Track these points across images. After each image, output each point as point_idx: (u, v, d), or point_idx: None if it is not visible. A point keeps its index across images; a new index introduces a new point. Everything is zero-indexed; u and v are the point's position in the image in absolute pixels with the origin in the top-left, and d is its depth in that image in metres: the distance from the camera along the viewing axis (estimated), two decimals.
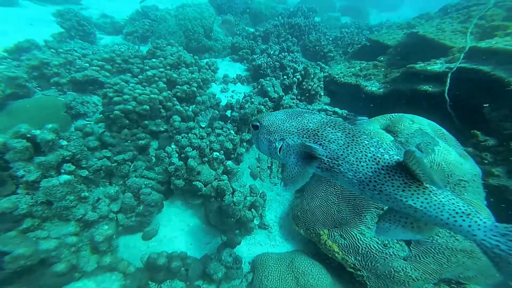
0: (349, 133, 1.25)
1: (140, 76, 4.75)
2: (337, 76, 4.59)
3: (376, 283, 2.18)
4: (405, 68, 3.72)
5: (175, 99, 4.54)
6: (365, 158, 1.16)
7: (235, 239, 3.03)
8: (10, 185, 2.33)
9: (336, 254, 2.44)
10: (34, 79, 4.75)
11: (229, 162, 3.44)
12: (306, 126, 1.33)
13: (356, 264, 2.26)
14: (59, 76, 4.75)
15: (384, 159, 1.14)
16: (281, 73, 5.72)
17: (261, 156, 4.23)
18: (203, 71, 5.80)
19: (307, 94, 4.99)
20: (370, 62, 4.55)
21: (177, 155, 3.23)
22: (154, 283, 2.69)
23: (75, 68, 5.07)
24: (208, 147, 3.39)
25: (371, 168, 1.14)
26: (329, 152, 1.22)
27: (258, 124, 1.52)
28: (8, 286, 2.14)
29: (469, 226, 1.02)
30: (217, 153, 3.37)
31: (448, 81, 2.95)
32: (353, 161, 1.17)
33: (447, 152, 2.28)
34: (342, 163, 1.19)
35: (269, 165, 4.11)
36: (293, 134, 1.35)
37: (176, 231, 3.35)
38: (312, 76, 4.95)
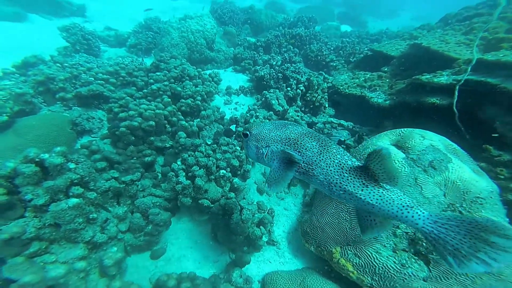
0: (322, 143, 1.49)
1: (144, 90, 4.77)
2: (341, 87, 4.60)
3: None
4: (411, 79, 3.72)
5: (179, 113, 4.55)
6: (333, 164, 1.41)
7: (245, 258, 2.97)
8: (19, 209, 2.31)
9: (351, 274, 2.38)
10: (40, 94, 4.79)
11: (236, 180, 3.41)
12: (288, 136, 1.57)
13: (374, 285, 2.19)
14: (64, 91, 4.78)
15: (347, 164, 1.39)
16: (284, 84, 5.74)
17: (267, 171, 4.20)
18: (207, 84, 5.83)
19: (311, 106, 4.99)
20: (374, 73, 4.56)
21: (184, 173, 3.21)
22: None
23: (80, 82, 5.10)
24: (215, 165, 3.37)
25: (337, 171, 1.39)
26: (305, 158, 1.47)
27: (248, 132, 1.76)
28: None
29: (412, 216, 1.24)
30: (224, 171, 3.35)
31: (456, 93, 2.94)
32: (323, 166, 1.42)
33: (461, 170, 2.24)
34: (315, 167, 1.44)
35: None
36: (277, 142, 1.59)
37: (184, 249, 3.29)
38: (316, 87, 4.96)
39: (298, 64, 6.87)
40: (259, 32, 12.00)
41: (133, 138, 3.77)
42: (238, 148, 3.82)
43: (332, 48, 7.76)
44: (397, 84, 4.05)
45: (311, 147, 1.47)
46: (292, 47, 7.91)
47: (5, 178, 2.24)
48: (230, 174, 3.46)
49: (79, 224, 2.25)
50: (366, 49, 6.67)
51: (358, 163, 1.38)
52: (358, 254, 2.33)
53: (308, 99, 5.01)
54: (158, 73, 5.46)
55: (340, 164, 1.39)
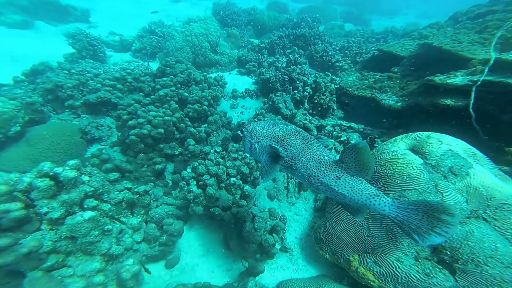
0: (305, 141, 1.66)
1: (152, 96, 4.77)
2: (350, 89, 4.53)
3: None
4: (423, 80, 3.64)
5: (187, 119, 4.54)
6: (312, 159, 1.58)
7: (258, 266, 2.94)
8: (35, 222, 2.31)
9: (372, 283, 2.32)
10: (48, 102, 4.82)
11: (246, 187, 3.38)
12: (277, 133, 1.74)
13: None
14: (73, 98, 4.80)
15: (325, 159, 1.56)
16: (290, 87, 5.69)
17: (276, 176, 4.17)
18: (213, 88, 5.81)
19: (319, 108, 4.93)
20: (384, 73, 4.48)
21: (195, 182, 3.19)
22: None
23: (88, 89, 5.13)
24: (225, 173, 3.34)
25: (316, 166, 1.55)
26: (289, 153, 1.65)
27: (244, 129, 1.95)
28: None
29: (379, 204, 1.42)
30: (234, 179, 3.32)
31: (473, 95, 2.86)
32: (304, 160, 1.59)
33: (483, 175, 2.17)
34: (298, 162, 1.61)
35: (286, 185, 4.03)
36: (267, 138, 1.76)
37: (197, 258, 3.27)
38: (323, 89, 4.90)
39: (303, 65, 6.81)
40: (262, 33, 11.95)
41: (143, 146, 3.77)
42: (247, 154, 3.78)
43: (337, 48, 7.67)
44: (409, 85, 3.97)
45: (295, 144, 1.65)
46: (297, 48, 7.84)
47: (22, 192, 2.25)
48: (240, 181, 3.43)
49: (95, 237, 2.25)
50: (373, 48, 6.57)
51: (334, 159, 1.56)
52: (379, 262, 2.28)
53: (316, 101, 4.95)
54: (164, 78, 5.46)
55: (318, 159, 1.56)
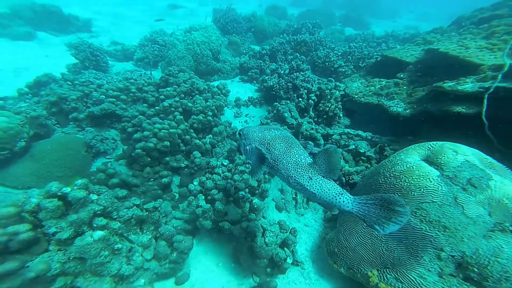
0: (288, 145, 1.82)
1: (156, 107, 4.74)
2: (356, 96, 4.49)
3: None
4: (432, 87, 3.60)
5: (192, 130, 4.49)
6: (291, 162, 1.75)
7: (271, 283, 2.85)
8: (43, 243, 2.25)
9: None
10: (53, 115, 4.80)
11: (255, 200, 3.33)
12: (265, 137, 1.92)
13: None
14: (77, 111, 4.78)
15: (302, 162, 1.73)
16: (295, 94, 5.66)
17: (284, 187, 4.11)
18: (216, 97, 5.78)
19: (324, 116, 4.89)
20: (390, 80, 4.44)
21: (203, 197, 3.13)
22: None
23: (92, 101, 5.11)
24: (233, 186, 3.29)
25: (294, 167, 1.73)
26: (273, 155, 1.82)
27: (241, 132, 2.13)
28: None
29: (343, 201, 1.58)
30: (243, 192, 3.27)
31: (486, 102, 2.81)
32: (285, 163, 1.76)
33: (505, 187, 2.11)
34: (279, 163, 1.79)
35: (294, 196, 3.97)
36: (256, 141, 1.93)
37: (207, 273, 3.19)
38: (328, 96, 4.86)
39: (306, 72, 6.80)
40: (263, 40, 12.01)
41: (149, 159, 3.73)
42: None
43: (339, 54, 7.67)
44: (416, 91, 3.93)
45: (278, 147, 1.82)
46: (298, 55, 7.84)
47: (29, 213, 2.19)
48: (249, 195, 3.37)
49: (105, 257, 2.18)
50: (375, 53, 6.56)
51: (310, 162, 1.73)
52: (400, 278, 2.20)
53: (321, 109, 4.91)
54: (168, 88, 5.45)
55: (296, 162, 1.74)
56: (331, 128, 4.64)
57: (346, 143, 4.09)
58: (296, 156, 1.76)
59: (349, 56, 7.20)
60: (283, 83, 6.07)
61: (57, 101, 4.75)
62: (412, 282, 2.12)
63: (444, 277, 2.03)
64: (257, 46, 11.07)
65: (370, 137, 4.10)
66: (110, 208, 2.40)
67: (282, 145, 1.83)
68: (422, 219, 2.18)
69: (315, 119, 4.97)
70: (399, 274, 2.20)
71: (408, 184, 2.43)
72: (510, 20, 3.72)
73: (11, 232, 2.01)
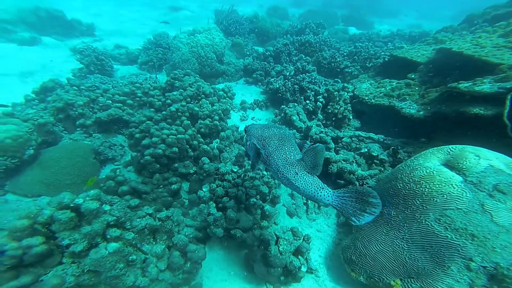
0: (281, 143, 1.95)
1: (164, 112, 4.70)
2: (366, 98, 4.40)
3: None
4: (446, 87, 3.51)
5: (199, 135, 4.44)
6: (281, 158, 1.88)
7: None
8: (57, 255, 2.20)
9: None
10: (60, 121, 4.78)
11: (267, 207, 3.27)
12: (263, 135, 2.03)
13: None
14: (84, 117, 4.75)
15: (290, 159, 1.85)
16: (302, 96, 5.59)
17: (294, 192, 4.03)
18: (223, 101, 5.73)
19: (333, 119, 4.81)
20: (401, 80, 4.35)
21: (214, 205, 3.07)
22: None
23: (98, 106, 5.08)
24: (244, 193, 3.23)
25: (283, 163, 1.86)
26: (266, 151, 1.95)
27: (246, 129, 2.25)
28: None
29: (324, 195, 1.69)
30: (254, 199, 3.21)
31: (508, 103, 2.72)
32: (275, 158, 1.89)
33: None
34: (271, 159, 1.91)
35: (305, 201, 3.89)
36: (255, 138, 2.05)
37: (219, 282, 3.13)
38: (337, 98, 4.78)
39: (312, 73, 6.72)
40: (266, 41, 11.95)
41: (158, 166, 3.68)
42: (265, 173, 3.67)
43: (345, 54, 7.59)
44: (429, 92, 3.84)
45: (272, 144, 1.95)
46: (304, 56, 7.77)
47: (42, 225, 2.15)
48: (260, 201, 3.31)
49: (120, 270, 2.13)
50: (383, 53, 6.47)
51: (298, 159, 1.85)
52: None
53: (330, 111, 4.83)
54: (174, 93, 5.40)
55: (285, 158, 1.87)
56: (341, 131, 4.55)
57: (358, 146, 4.01)
58: (287, 153, 1.90)
59: (355, 56, 7.12)
60: (289, 85, 6.00)
61: (64, 107, 4.73)
62: None
63: None
64: (260, 47, 11.01)
65: (382, 140, 4.01)
66: (123, 218, 2.35)
67: (275, 142, 1.97)
68: (447, 227, 2.10)
69: (324, 122, 4.89)
70: (425, 284, 2.12)
71: (430, 190, 2.35)
72: None
73: (25, 245, 1.97)
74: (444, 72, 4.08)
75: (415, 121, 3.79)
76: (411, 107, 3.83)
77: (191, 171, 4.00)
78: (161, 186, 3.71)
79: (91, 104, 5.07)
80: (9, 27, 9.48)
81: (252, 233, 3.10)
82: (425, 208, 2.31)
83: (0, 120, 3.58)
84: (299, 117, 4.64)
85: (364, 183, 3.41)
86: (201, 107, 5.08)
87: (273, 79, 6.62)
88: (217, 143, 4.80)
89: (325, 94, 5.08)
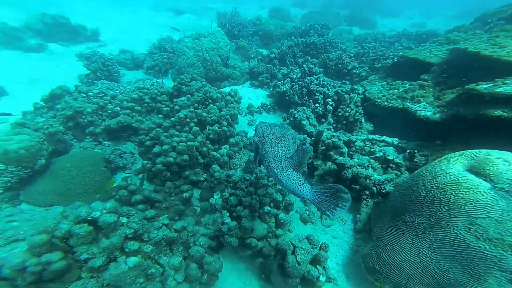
0: (276, 141, 2.12)
1: (172, 119, 4.66)
2: (379, 100, 4.32)
3: None
4: (463, 89, 3.43)
5: (208, 142, 4.40)
6: (273, 154, 2.04)
7: None
8: (75, 270, 2.16)
9: None
10: (69, 129, 4.77)
11: (281, 215, 3.20)
12: (265, 132, 2.20)
13: None
14: (93, 124, 4.73)
15: (280, 156, 2.01)
16: (310, 100, 5.51)
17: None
18: (230, 106, 5.68)
19: (344, 122, 4.73)
20: (414, 82, 4.26)
21: (228, 214, 3.02)
22: None
23: (107, 113, 5.06)
24: (258, 201, 3.17)
25: (273, 159, 2.01)
26: (263, 147, 2.13)
27: (256, 126, 2.44)
28: None
29: (303, 190, 1.81)
30: (268, 207, 3.15)
31: None
32: (269, 154, 2.05)
33: None
34: (265, 154, 2.08)
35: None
36: (258, 135, 2.24)
37: None
38: (348, 101, 4.71)
39: (319, 75, 6.65)
40: (269, 43, 11.92)
41: (169, 174, 3.64)
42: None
43: (352, 55, 7.51)
44: (445, 94, 3.75)
45: (269, 141, 2.13)
46: (310, 57, 7.70)
47: (60, 239, 2.11)
48: (275, 209, 3.25)
49: (140, 285, 2.08)
50: (391, 54, 6.38)
51: (287, 156, 2.00)
52: None
53: (340, 114, 4.76)
54: (182, 98, 5.37)
55: (277, 155, 2.02)
56: (353, 134, 4.47)
57: (371, 149, 3.92)
58: (279, 150, 2.06)
59: (363, 58, 7.03)
60: (297, 88, 5.93)
61: (73, 115, 4.71)
62: None
63: None
64: (264, 49, 10.98)
65: (396, 143, 3.92)
66: (140, 231, 2.30)
67: (272, 140, 2.13)
68: (479, 236, 2.02)
69: (334, 125, 4.81)
70: None
71: (456, 197, 2.27)
72: None
73: (44, 261, 1.93)
74: (459, 73, 3.99)
75: (430, 124, 3.70)
76: (426, 110, 3.74)
77: (202, 179, 3.95)
78: (173, 194, 3.67)
79: (100, 111, 5.06)
80: (18, 34, 9.58)
81: (268, 242, 3.03)
82: (452, 216, 2.23)
83: (14, 130, 3.57)
84: (309, 121, 4.57)
85: (382, 188, 3.33)
86: (209, 113, 5.04)
87: (279, 82, 6.55)
88: (226, 149, 4.75)
89: (335, 97, 5.00)
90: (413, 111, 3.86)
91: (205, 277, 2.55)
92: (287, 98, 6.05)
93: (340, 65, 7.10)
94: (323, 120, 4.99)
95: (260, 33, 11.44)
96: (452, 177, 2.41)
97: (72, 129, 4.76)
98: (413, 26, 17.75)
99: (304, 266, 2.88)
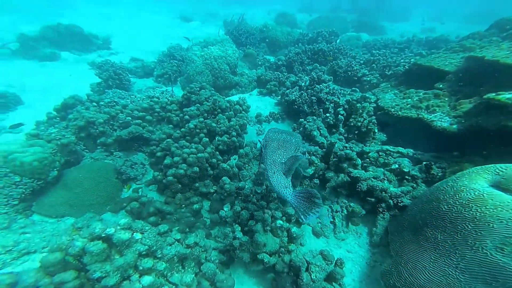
0: (276, 147, 2.30)
1: (182, 129, 4.66)
2: (393, 110, 4.22)
3: None
4: (482, 99, 3.31)
5: (217, 153, 4.37)
6: (270, 159, 2.21)
7: None
8: None
9: None
10: (81, 140, 4.83)
11: (294, 229, 3.12)
12: (270, 138, 2.41)
13: None
14: (105, 135, 4.78)
15: (276, 161, 2.19)
16: (320, 109, 5.44)
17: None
18: (239, 115, 5.66)
19: (356, 132, 4.63)
20: (428, 91, 4.16)
21: (239, 228, 2.96)
22: None
23: (118, 123, 5.11)
24: (270, 216, 3.10)
25: (270, 163, 2.18)
26: (265, 151, 2.31)
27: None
28: None
29: (286, 193, 2.00)
30: (281, 221, 3.08)
31: None
32: (268, 158, 2.23)
33: None
34: (265, 158, 2.25)
35: (332, 220, 3.71)
36: (264, 139, 2.46)
37: None
38: (360, 110, 4.62)
39: (329, 83, 6.59)
40: (276, 49, 11.96)
41: (180, 186, 3.62)
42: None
43: (362, 62, 7.43)
44: (462, 104, 3.63)
45: (271, 146, 2.31)
46: (318, 65, 7.66)
47: (73, 257, 2.09)
48: (287, 223, 3.17)
49: None
50: (402, 60, 6.28)
51: (282, 161, 2.18)
52: None
53: (352, 124, 4.66)
54: (192, 108, 5.38)
55: (274, 160, 2.20)
56: (365, 145, 4.37)
57: (386, 161, 3.81)
58: (277, 155, 2.24)
59: (373, 64, 6.95)
60: (306, 97, 5.88)
61: (85, 126, 4.78)
62: None
63: None
64: (271, 56, 11.02)
65: (412, 154, 3.81)
66: (154, 247, 2.27)
67: (274, 145, 2.31)
68: None
69: (345, 135, 4.72)
70: None
71: (482, 214, 2.15)
72: None
73: (58, 281, 1.91)
74: (475, 81, 3.87)
75: (446, 135, 3.58)
76: (443, 120, 3.62)
77: (212, 190, 3.91)
78: (183, 206, 3.64)
79: (111, 121, 5.12)
80: (34, 43, 9.93)
81: (281, 258, 2.95)
82: (479, 234, 2.11)
83: (28, 142, 3.63)
84: (320, 132, 4.49)
85: (399, 201, 3.21)
86: (218, 123, 5.03)
87: (288, 90, 6.52)
88: (235, 159, 4.71)
89: (346, 106, 4.92)
90: (428, 122, 3.75)
91: None
92: (296, 106, 6.00)
93: (349, 72, 7.03)
94: (334, 130, 4.90)
95: (267, 40, 11.50)
96: (476, 193, 2.29)
97: (83, 140, 4.83)
98: (423, 31, 17.57)
99: (319, 284, 2.78)
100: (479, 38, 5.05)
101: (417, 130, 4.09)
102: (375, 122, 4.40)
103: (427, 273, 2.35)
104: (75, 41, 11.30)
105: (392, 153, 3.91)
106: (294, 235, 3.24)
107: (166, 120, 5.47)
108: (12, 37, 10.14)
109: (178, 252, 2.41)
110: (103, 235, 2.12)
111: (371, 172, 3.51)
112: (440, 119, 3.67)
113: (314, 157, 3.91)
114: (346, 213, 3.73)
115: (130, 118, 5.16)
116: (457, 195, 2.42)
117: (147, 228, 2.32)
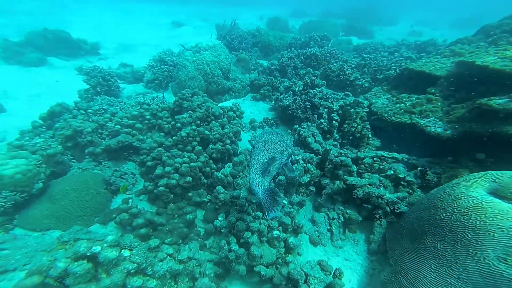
0: (263, 148, 2.43)
1: (174, 137, 4.52)
2: (386, 115, 4.23)
3: None
4: (474, 104, 3.34)
5: (211, 161, 4.26)
6: (256, 159, 2.35)
7: None
8: None
9: None
10: (68, 149, 4.62)
11: (291, 239, 3.04)
12: (259, 139, 2.57)
13: None
14: (93, 144, 4.59)
15: (259, 161, 2.33)
16: (314, 114, 5.42)
17: (314, 217, 3.80)
18: (233, 122, 5.57)
19: (350, 138, 4.62)
20: (421, 95, 4.19)
21: (235, 240, 2.86)
22: None
23: (107, 132, 4.94)
24: (267, 226, 3.02)
25: (254, 163, 2.33)
26: (253, 150, 2.45)
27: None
28: None
29: (257, 191, 2.15)
30: (277, 232, 2.99)
31: None
32: (254, 158, 2.36)
33: None
34: (251, 157, 2.40)
35: (329, 228, 3.65)
36: (254, 140, 2.69)
37: None
38: (354, 116, 4.61)
39: (322, 88, 6.60)
40: (269, 54, 11.99)
41: (172, 196, 3.49)
42: (285, 202, 3.47)
43: (353, 66, 7.50)
44: (455, 109, 3.66)
45: (258, 147, 2.45)
46: (312, 69, 7.68)
47: (55, 279, 1.94)
48: (284, 234, 3.09)
49: None
50: (393, 65, 6.36)
51: (263, 162, 2.30)
52: None
53: (346, 130, 4.65)
54: (184, 115, 5.25)
55: (257, 160, 2.33)
56: (360, 150, 4.35)
57: (381, 166, 3.79)
58: (259, 156, 2.35)
59: (365, 68, 7.01)
60: (300, 102, 5.85)
61: (72, 135, 4.58)
62: None
63: None
64: (264, 60, 11.02)
65: (406, 159, 3.80)
66: (144, 264, 2.13)
67: (261, 146, 2.45)
68: None
69: (340, 141, 4.70)
70: None
71: (482, 223, 2.12)
72: None
73: None
74: (467, 86, 3.92)
75: (441, 141, 3.60)
76: (437, 125, 3.64)
77: (206, 200, 3.79)
78: (176, 215, 3.51)
79: (100, 130, 4.93)
80: (19, 49, 9.61)
81: (279, 271, 2.85)
82: (480, 243, 2.08)
83: (11, 154, 3.44)
84: (314, 138, 4.45)
85: (396, 208, 3.18)
86: (212, 130, 4.91)
87: (282, 95, 6.49)
88: (229, 167, 4.61)
89: (340, 111, 4.91)
90: (422, 127, 3.76)
91: None
92: (290, 112, 5.96)
93: (342, 76, 7.07)
94: (328, 136, 4.87)
95: (260, 44, 11.52)
96: (474, 201, 2.27)
97: (71, 149, 4.62)
98: (410, 34, 18.04)
99: None
100: (468, 43, 5.17)
101: (410, 135, 4.10)
102: (369, 127, 4.40)
103: (428, 283, 2.30)
104: (62, 47, 11.01)
105: (386, 158, 3.89)
106: (291, 245, 3.16)
107: (157, 127, 5.33)
108: None
109: (171, 268, 2.29)
110: (88, 254, 1.98)
111: (366, 179, 3.47)
112: (433, 124, 3.68)
113: (309, 164, 3.85)
114: (342, 220, 3.68)
115: (119, 127, 4.99)
116: (455, 203, 2.40)
117: (136, 244, 2.19)
